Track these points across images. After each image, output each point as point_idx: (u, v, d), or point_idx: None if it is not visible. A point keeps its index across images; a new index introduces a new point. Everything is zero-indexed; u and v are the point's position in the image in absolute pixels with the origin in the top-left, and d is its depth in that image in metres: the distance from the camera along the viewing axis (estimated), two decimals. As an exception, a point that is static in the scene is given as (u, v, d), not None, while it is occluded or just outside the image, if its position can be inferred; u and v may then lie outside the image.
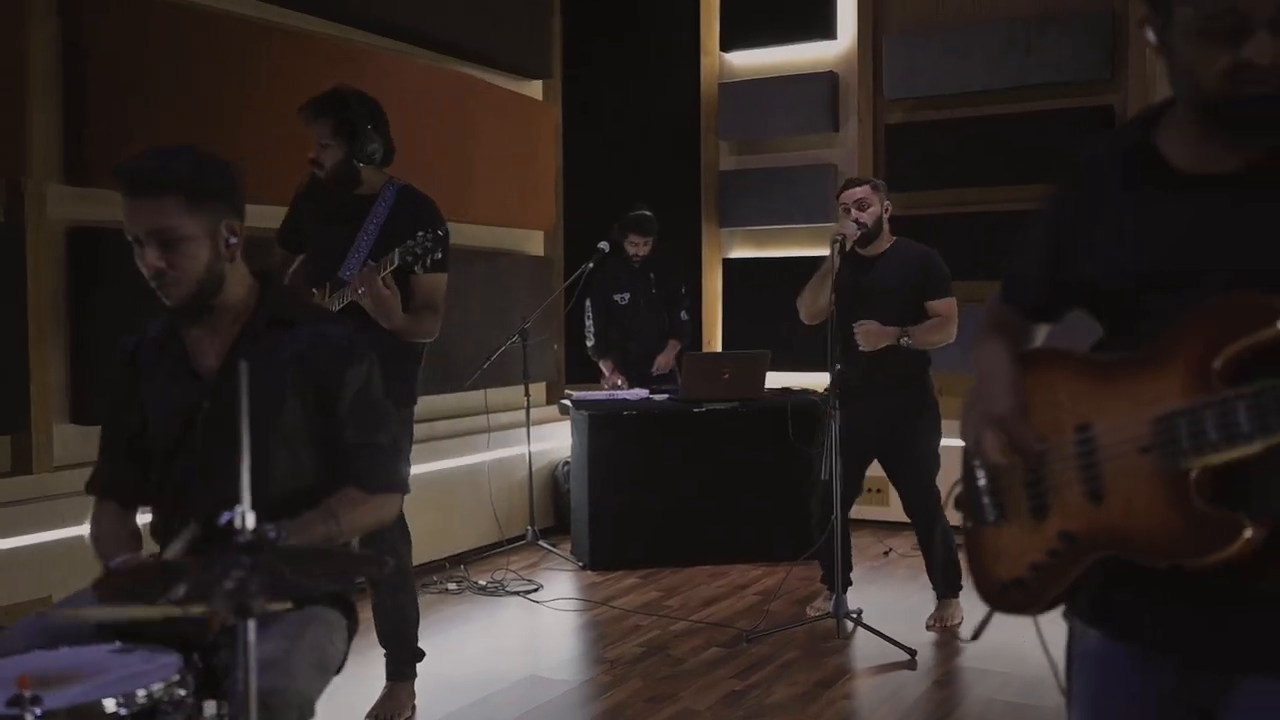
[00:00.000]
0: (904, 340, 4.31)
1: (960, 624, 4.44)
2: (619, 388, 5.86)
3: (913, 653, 4.09)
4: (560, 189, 6.70)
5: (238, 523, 1.60)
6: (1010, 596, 1.61)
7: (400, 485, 2.31)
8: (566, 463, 6.39)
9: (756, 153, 6.83)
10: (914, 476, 4.48)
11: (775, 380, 6.08)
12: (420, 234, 3.28)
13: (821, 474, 4.26)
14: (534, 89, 6.59)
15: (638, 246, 5.99)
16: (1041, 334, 1.78)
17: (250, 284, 2.23)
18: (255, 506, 2.16)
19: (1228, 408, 1.31)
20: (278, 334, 2.21)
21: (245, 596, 1.55)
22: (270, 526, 2.00)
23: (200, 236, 2.10)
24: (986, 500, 1.62)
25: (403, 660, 3.59)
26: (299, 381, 2.19)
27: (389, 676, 3.61)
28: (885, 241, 4.53)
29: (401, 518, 3.48)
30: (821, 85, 6.53)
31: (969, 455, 1.64)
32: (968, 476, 1.65)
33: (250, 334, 2.20)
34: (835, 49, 6.57)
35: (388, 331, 3.34)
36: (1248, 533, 1.30)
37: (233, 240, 2.16)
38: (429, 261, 3.28)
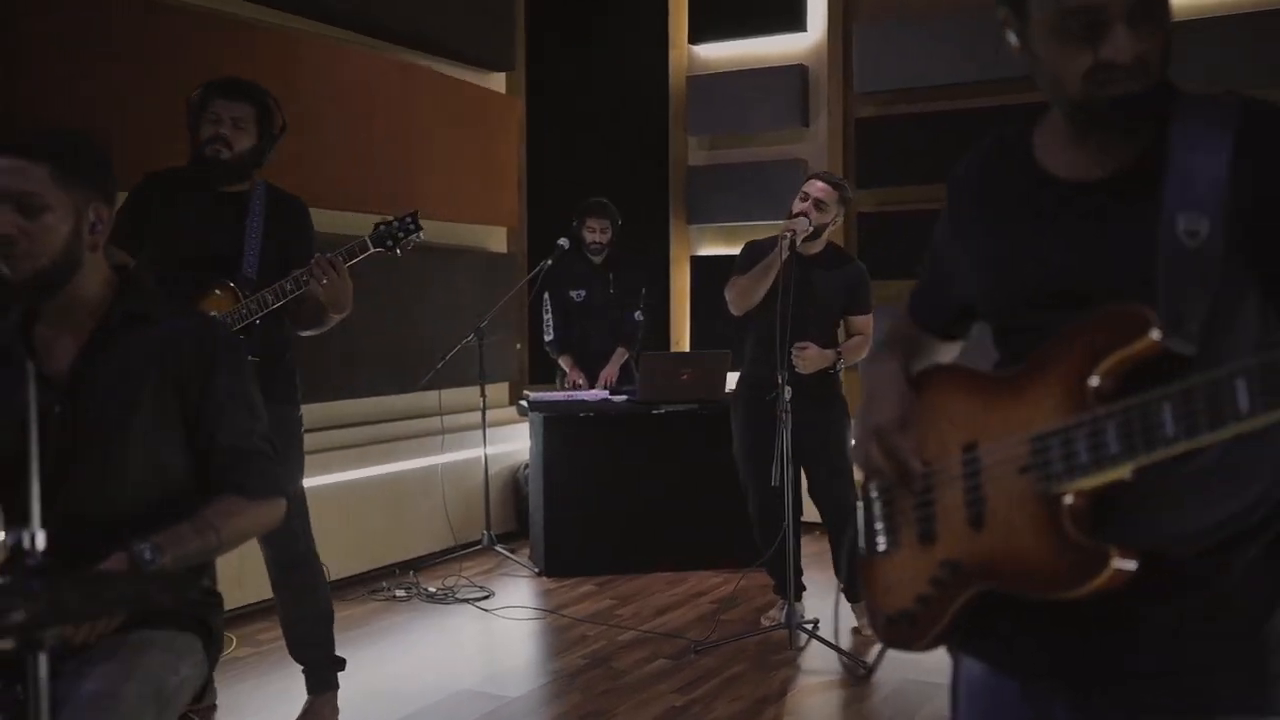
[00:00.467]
0: (838, 365, 4.23)
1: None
2: (579, 387, 5.69)
3: (866, 666, 3.92)
4: (524, 184, 6.53)
5: (26, 544, 1.43)
6: (897, 630, 1.47)
7: (283, 489, 2.14)
8: (528, 465, 6.23)
9: (726, 148, 6.67)
10: (824, 462, 4.33)
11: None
12: (403, 218, 3.18)
13: (772, 480, 4.09)
14: (496, 81, 6.43)
15: (595, 233, 5.81)
16: (952, 352, 1.68)
17: (108, 278, 2.07)
18: (112, 520, 2.04)
19: (1098, 426, 1.16)
20: (137, 331, 2.04)
21: (34, 627, 1.39)
22: (144, 545, 1.85)
23: (63, 212, 1.95)
24: (879, 526, 1.50)
25: (321, 671, 3.43)
26: (162, 381, 2.03)
27: (309, 690, 3.45)
28: (819, 244, 4.38)
29: (305, 517, 3.31)
30: (791, 78, 6.37)
31: (864, 479, 1.54)
32: (864, 501, 1.54)
33: (105, 332, 2.03)
34: (805, 41, 6.40)
35: (265, 329, 3.18)
36: (1115, 564, 1.14)
37: (98, 227, 2.01)
38: (408, 244, 3.14)
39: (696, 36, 6.65)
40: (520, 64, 6.49)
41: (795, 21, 6.36)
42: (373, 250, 3.23)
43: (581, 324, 5.91)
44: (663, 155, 6.78)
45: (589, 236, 5.83)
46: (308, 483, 4.87)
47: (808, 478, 4.43)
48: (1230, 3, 5.42)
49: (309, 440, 4.97)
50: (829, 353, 4.27)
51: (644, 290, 5.94)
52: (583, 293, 5.88)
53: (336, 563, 5.03)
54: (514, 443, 6.22)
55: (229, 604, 4.32)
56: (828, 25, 6.29)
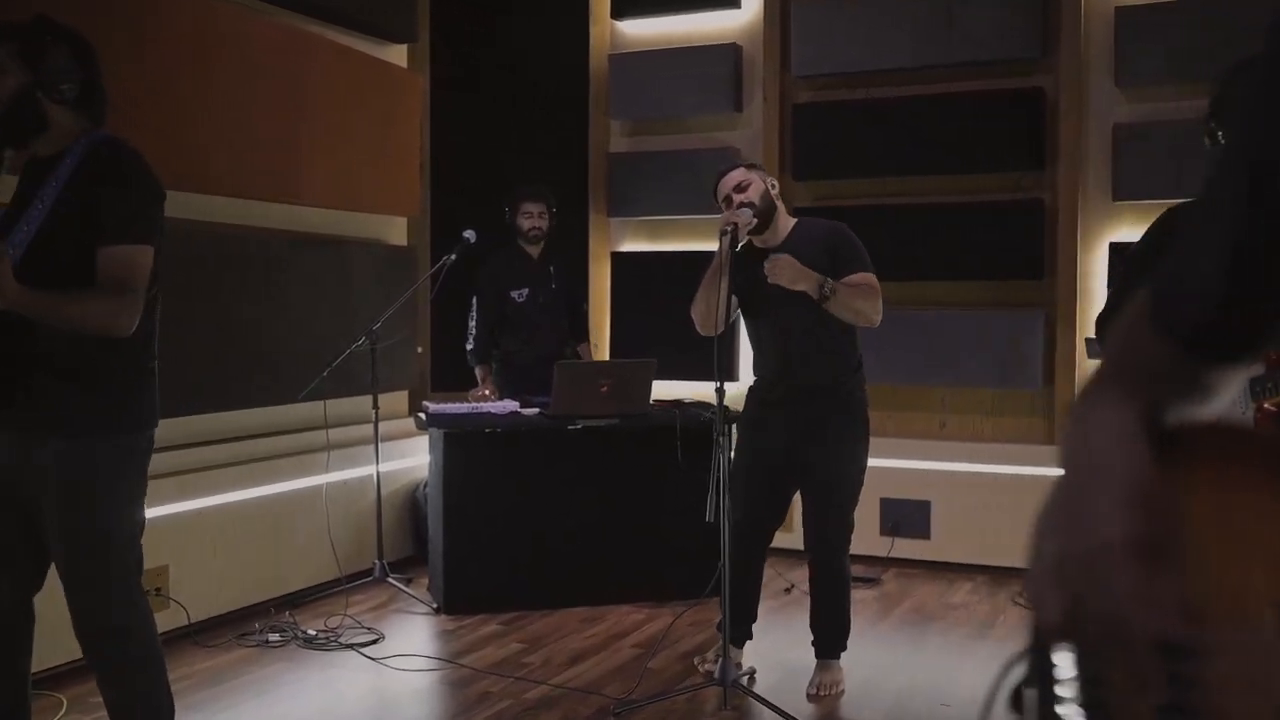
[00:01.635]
0: (825, 289, 3.53)
1: (844, 693, 3.74)
2: (486, 399, 5.07)
3: (809, 732, 3.38)
4: (426, 170, 5.88)
5: None
6: None
7: None
8: (428, 483, 5.59)
9: (651, 134, 6.09)
10: (824, 496, 3.76)
11: (670, 391, 5.37)
12: None
13: (706, 515, 3.52)
14: (397, 54, 5.76)
15: (533, 217, 5.25)
16: (1227, 392, 0.91)
17: None
18: None
19: None
20: None
21: None
22: None
23: None
24: (1072, 711, 0.84)
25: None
26: None
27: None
28: (784, 226, 3.82)
29: (125, 573, 2.63)
30: (723, 59, 5.81)
31: (1040, 624, 0.87)
32: (1038, 659, 0.87)
33: None
34: (739, 19, 5.85)
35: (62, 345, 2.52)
36: None
37: None
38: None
39: (621, 11, 6.06)
40: (424, 35, 5.82)
41: (728, -3, 5.80)
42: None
43: (524, 326, 5.32)
44: (581, 141, 6.17)
45: (526, 223, 5.25)
46: (169, 510, 4.25)
47: (804, 509, 3.86)
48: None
49: (171, 460, 4.32)
50: (813, 274, 3.52)
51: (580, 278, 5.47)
52: (524, 292, 5.30)
53: (202, 601, 4.36)
54: (413, 458, 5.58)
55: (57, 656, 3.67)
56: (763, 2, 5.74)
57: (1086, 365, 5.22)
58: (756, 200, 3.69)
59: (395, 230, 5.80)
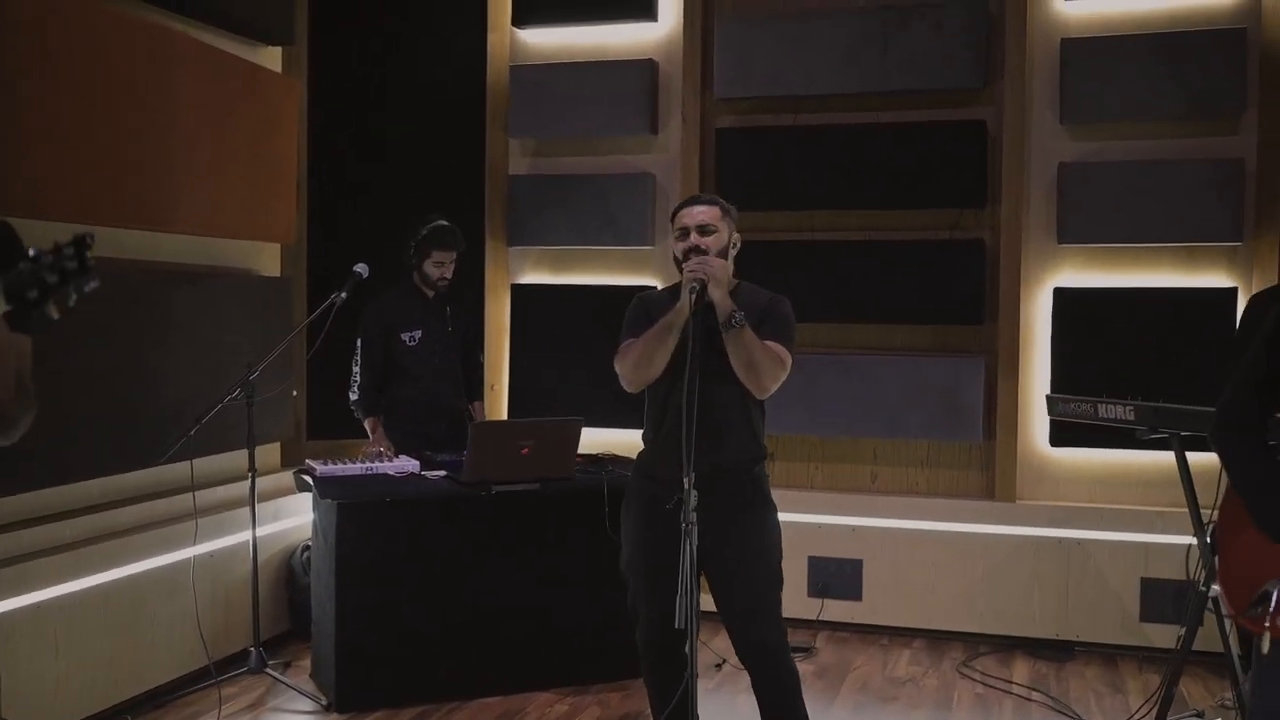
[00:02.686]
0: (735, 319, 3.03)
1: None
2: (381, 456, 4.43)
3: None
4: (304, 190, 5.18)
5: None
6: None
7: None
8: (306, 547, 4.90)
9: (555, 154, 5.53)
10: (748, 594, 3.24)
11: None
12: (60, 250, 1.78)
13: (676, 621, 2.98)
14: (270, 57, 5.04)
15: (443, 268, 4.65)
16: None
17: None
18: None
19: None
20: None
21: None
22: None
23: None
24: None
25: None
26: None
27: None
28: (728, 283, 3.32)
29: None
30: (638, 76, 5.30)
31: None
32: None
33: None
34: (656, 32, 5.36)
35: None
36: None
37: None
38: (66, 296, 1.79)
39: (523, 18, 5.48)
40: (302, 36, 5.13)
41: (644, 8, 5.30)
42: (4, 308, 1.79)
43: (419, 373, 4.70)
44: (477, 160, 5.57)
45: (434, 272, 4.65)
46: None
47: (717, 603, 3.34)
48: (1138, 22, 4.76)
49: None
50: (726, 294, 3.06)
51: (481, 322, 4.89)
52: (417, 334, 4.69)
53: (42, 715, 3.60)
54: (287, 518, 4.88)
55: None
56: (683, 15, 5.27)
57: (1032, 417, 4.94)
58: (715, 254, 3.19)
59: (267, 258, 5.07)
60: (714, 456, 3.13)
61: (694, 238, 3.18)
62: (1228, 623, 3.74)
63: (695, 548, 2.93)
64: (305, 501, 4.60)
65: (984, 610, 4.92)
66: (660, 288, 3.43)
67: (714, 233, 3.20)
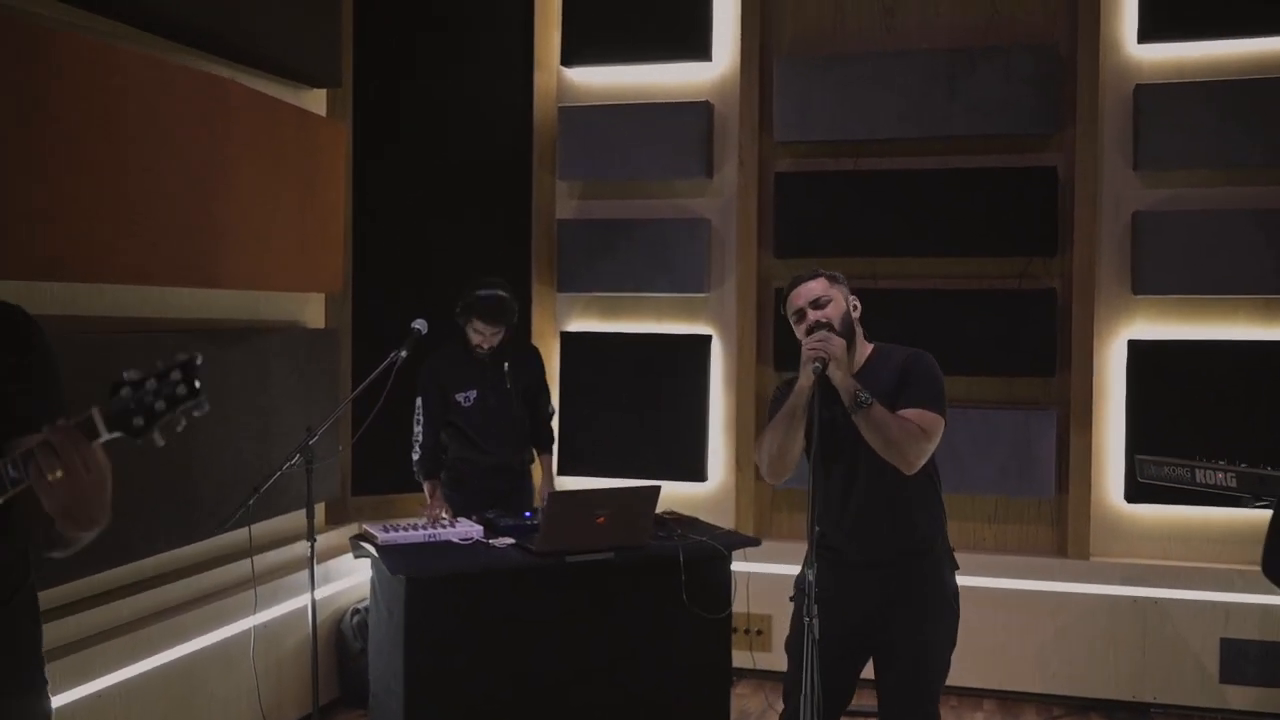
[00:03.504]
0: (860, 398, 2.90)
1: None
2: (442, 523, 4.24)
3: None
4: (349, 237, 4.99)
5: None
6: None
7: None
8: (356, 610, 4.72)
9: (605, 197, 5.36)
10: (906, 681, 3.14)
11: None
12: (165, 374, 1.66)
13: (802, 714, 2.83)
14: (314, 100, 4.86)
15: (484, 336, 4.44)
16: None
17: None
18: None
19: None
20: None
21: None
22: None
23: None
24: None
25: None
26: None
27: None
28: (861, 353, 3.18)
29: None
30: (694, 117, 5.14)
31: None
32: None
33: None
34: (710, 72, 5.21)
35: None
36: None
37: None
38: (174, 422, 1.68)
39: (571, 57, 5.31)
40: (347, 78, 4.94)
41: (698, 48, 5.15)
42: (107, 436, 1.69)
43: (476, 434, 4.52)
44: (524, 204, 5.40)
45: (474, 339, 4.46)
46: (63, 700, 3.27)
47: (880, 692, 3.20)
48: (1214, 68, 4.64)
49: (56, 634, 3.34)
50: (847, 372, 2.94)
51: (544, 374, 4.70)
52: (472, 394, 4.51)
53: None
54: (336, 582, 4.69)
55: None
56: (740, 56, 5.12)
57: (1106, 471, 4.80)
58: (838, 323, 3.05)
59: (311, 310, 4.88)
60: (889, 541, 3.03)
61: (812, 315, 3.04)
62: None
63: (816, 642, 2.82)
64: (353, 563, 4.41)
65: (1057, 671, 4.77)
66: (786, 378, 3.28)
67: (829, 302, 3.06)
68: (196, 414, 1.65)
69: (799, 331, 3.09)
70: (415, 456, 4.56)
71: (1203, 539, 4.73)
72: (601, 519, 3.91)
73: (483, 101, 5.34)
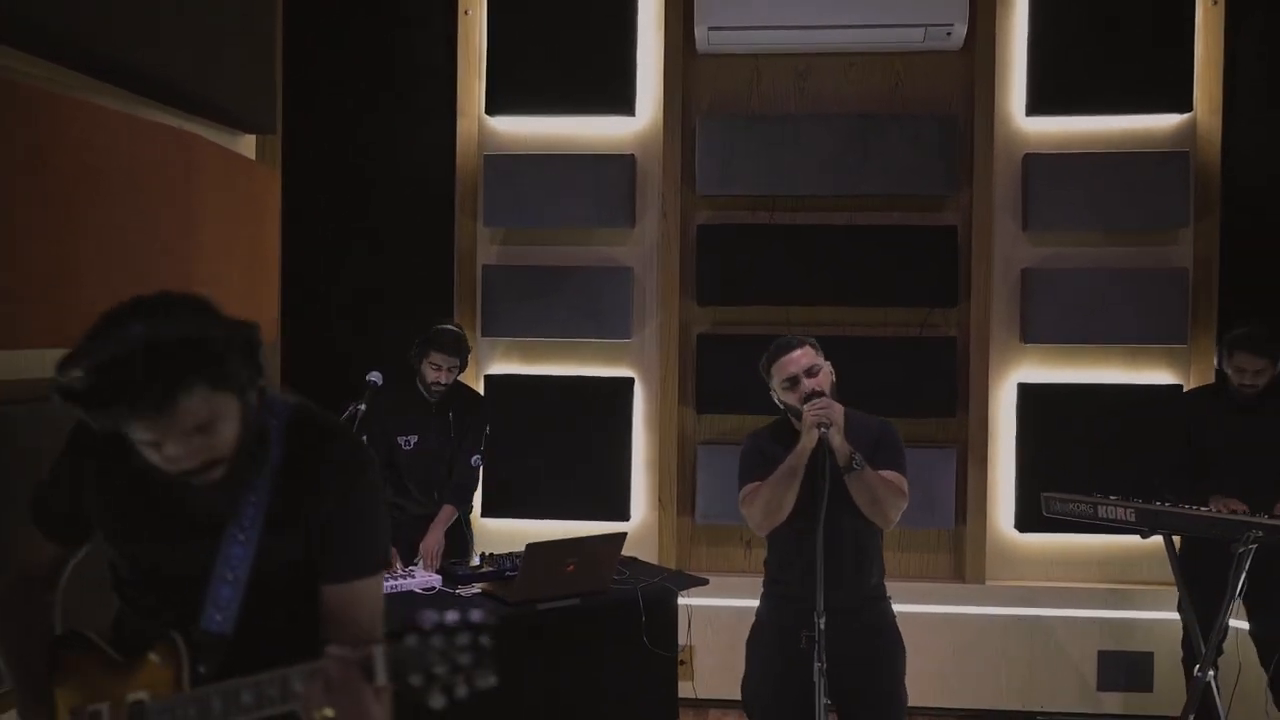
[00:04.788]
0: (855, 460, 3.21)
1: None
2: (396, 573, 4.28)
3: None
4: (281, 282, 4.93)
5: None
6: None
7: None
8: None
9: (528, 243, 5.49)
10: (882, 715, 3.46)
11: (554, 532, 4.82)
12: (438, 630, 1.56)
13: (814, 758, 3.09)
14: (246, 145, 4.79)
15: (440, 372, 4.53)
16: None
17: None
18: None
19: None
20: None
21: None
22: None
23: None
24: None
25: None
26: None
27: None
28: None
29: None
30: (618, 169, 5.34)
31: None
32: None
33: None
34: (633, 126, 5.41)
35: None
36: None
37: None
38: (461, 693, 1.56)
39: (495, 107, 5.42)
40: (278, 124, 4.89)
41: (623, 103, 5.34)
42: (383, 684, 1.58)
43: (410, 478, 4.57)
44: (447, 248, 5.46)
45: (430, 374, 4.52)
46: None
47: None
48: (1093, 140, 5.20)
49: None
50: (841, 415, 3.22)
51: (488, 429, 4.73)
52: (413, 440, 4.57)
53: None
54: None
55: None
56: (664, 113, 5.35)
57: (998, 503, 5.28)
58: (828, 389, 3.32)
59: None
60: (854, 589, 3.28)
61: (807, 383, 3.29)
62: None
63: (825, 688, 3.08)
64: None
65: (956, 686, 5.21)
66: (762, 427, 3.49)
67: (819, 370, 3.33)
68: (480, 686, 1.53)
69: (787, 395, 3.33)
70: None
71: (1082, 562, 5.27)
72: (571, 566, 4.07)
73: (407, 148, 5.38)
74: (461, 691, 1.52)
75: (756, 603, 3.48)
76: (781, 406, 3.38)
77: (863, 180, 5.21)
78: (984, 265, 5.23)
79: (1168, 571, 5.20)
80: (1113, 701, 5.15)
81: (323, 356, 5.11)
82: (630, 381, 5.43)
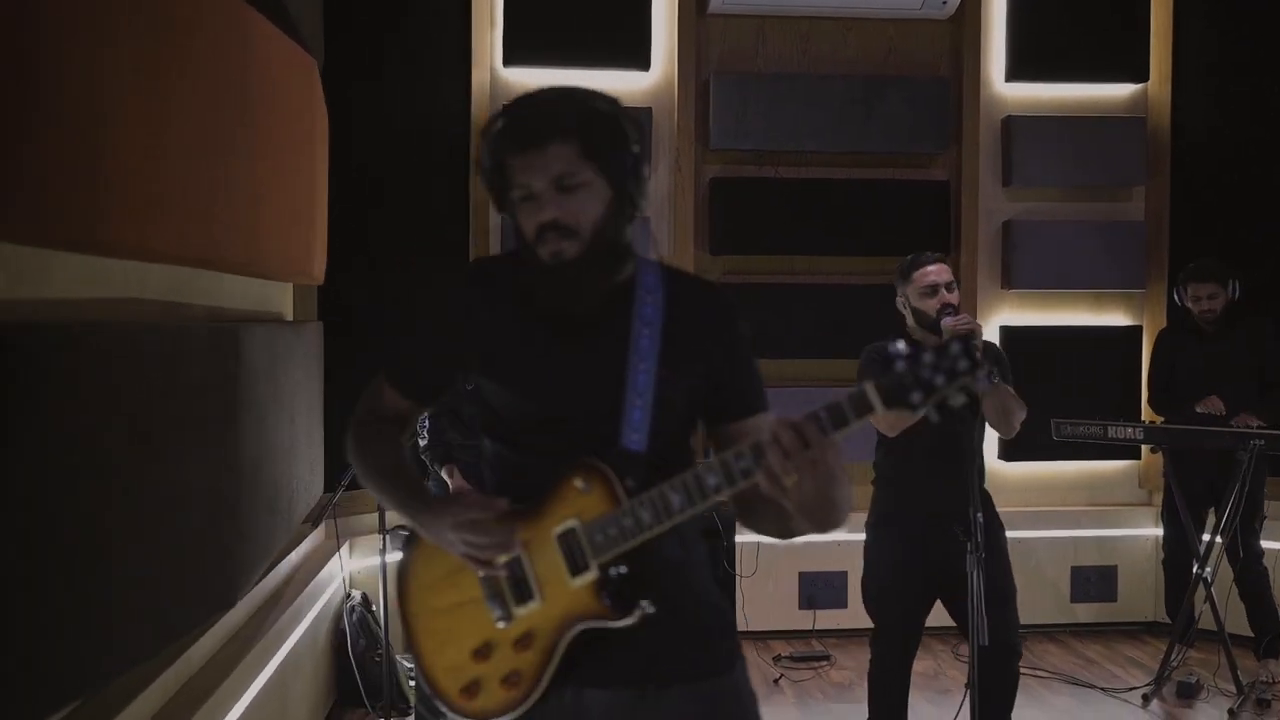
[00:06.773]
0: (991, 375, 3.53)
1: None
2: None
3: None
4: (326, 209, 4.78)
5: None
6: None
7: None
8: (354, 609, 4.61)
9: (541, 195, 5.53)
10: (1002, 597, 3.77)
11: None
12: (944, 351, 1.62)
13: (983, 638, 3.38)
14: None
15: None
16: None
17: None
18: None
19: None
20: None
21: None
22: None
23: None
24: None
25: None
26: None
27: None
28: None
29: None
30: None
31: None
32: None
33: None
34: (647, 81, 5.57)
35: None
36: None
37: None
38: (959, 399, 1.64)
39: (511, 58, 5.44)
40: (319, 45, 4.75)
41: (638, 58, 5.49)
42: (882, 412, 1.67)
43: (469, 420, 4.53)
44: (461, 200, 5.44)
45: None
46: None
47: (955, 617, 3.76)
48: (1064, 106, 5.75)
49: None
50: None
51: None
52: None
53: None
54: (325, 589, 4.54)
55: None
56: (677, 67, 5.53)
57: (989, 439, 5.73)
58: (958, 306, 3.63)
59: (276, 299, 4.64)
60: (975, 487, 3.58)
61: (945, 296, 3.58)
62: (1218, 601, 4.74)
63: (980, 575, 3.39)
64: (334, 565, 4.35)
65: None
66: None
67: (954, 288, 3.63)
68: (974, 390, 1.61)
69: (921, 302, 3.60)
70: (422, 442, 4.51)
71: (1058, 487, 5.82)
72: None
73: (424, 99, 5.32)
74: (958, 400, 1.60)
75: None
76: (909, 314, 3.64)
77: (864, 138, 5.57)
78: (970, 217, 5.69)
79: (1128, 494, 5.85)
80: (1086, 611, 5.73)
81: (360, 300, 5.03)
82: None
